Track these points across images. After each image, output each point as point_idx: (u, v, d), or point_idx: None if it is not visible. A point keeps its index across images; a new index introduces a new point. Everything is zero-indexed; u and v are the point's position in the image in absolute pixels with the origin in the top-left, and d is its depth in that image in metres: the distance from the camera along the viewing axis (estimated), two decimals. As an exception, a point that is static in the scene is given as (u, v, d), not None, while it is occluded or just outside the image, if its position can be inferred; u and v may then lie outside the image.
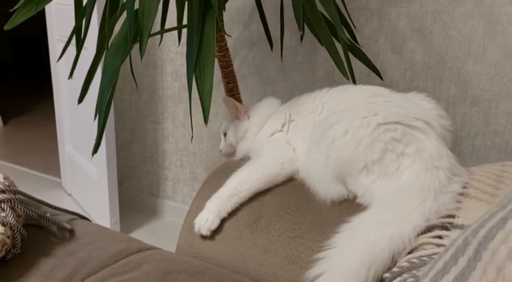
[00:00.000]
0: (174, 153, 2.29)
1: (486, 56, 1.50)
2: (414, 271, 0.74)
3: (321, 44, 1.32)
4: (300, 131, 1.05)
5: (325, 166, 0.94)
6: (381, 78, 1.48)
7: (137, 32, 1.10)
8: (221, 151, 1.24)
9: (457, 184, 0.84)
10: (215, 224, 0.98)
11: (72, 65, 1.34)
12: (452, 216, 0.81)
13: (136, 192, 2.47)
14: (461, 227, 0.79)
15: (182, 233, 1.04)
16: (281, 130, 1.09)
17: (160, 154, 2.35)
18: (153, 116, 2.30)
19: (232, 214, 1.00)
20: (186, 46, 1.12)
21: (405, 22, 1.61)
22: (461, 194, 0.84)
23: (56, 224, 0.98)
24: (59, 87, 2.49)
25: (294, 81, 1.86)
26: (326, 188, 0.94)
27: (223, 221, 1.00)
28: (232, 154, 1.21)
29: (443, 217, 0.81)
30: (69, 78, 1.35)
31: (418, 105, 0.96)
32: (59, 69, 2.43)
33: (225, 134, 1.22)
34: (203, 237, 1.00)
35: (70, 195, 2.60)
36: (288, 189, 1.01)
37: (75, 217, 1.09)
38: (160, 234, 2.24)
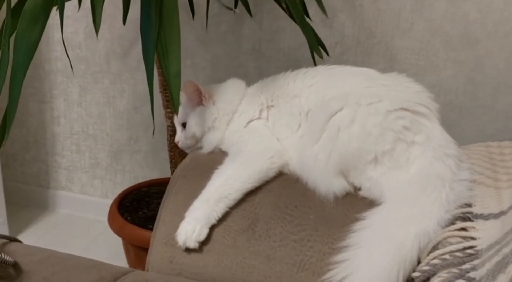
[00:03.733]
0: (68, 136, 1.97)
1: (413, 31, 1.53)
2: (453, 269, 0.71)
3: (292, 18, 1.18)
4: (284, 118, 0.94)
5: (327, 159, 0.85)
6: (327, 54, 1.41)
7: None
8: (178, 142, 1.06)
9: (466, 171, 0.83)
10: (204, 234, 0.83)
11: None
12: (469, 205, 0.79)
13: (18, 183, 2.09)
14: (481, 216, 0.77)
15: (156, 246, 0.87)
16: (259, 118, 0.96)
17: (48, 139, 2.00)
18: (38, 94, 1.94)
19: (221, 219, 0.86)
20: (140, 18, 0.90)
21: (336, -6, 1.56)
22: (471, 181, 0.83)
23: (-11, 258, 0.73)
24: None
25: (217, 54, 1.70)
26: (327, 182, 0.86)
27: (211, 228, 0.85)
28: (193, 146, 1.04)
29: (461, 207, 0.79)
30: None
31: (410, 88, 0.92)
32: None
33: (183, 124, 1.04)
34: (188, 250, 0.84)
35: None
36: (280, 185, 0.90)
37: (2, 240, 0.84)
38: (57, 230, 1.94)
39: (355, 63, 1.61)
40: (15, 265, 0.74)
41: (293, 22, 1.62)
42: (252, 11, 1.56)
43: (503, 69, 1.47)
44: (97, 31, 0.84)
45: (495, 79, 1.49)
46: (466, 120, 1.55)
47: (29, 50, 0.94)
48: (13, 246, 0.82)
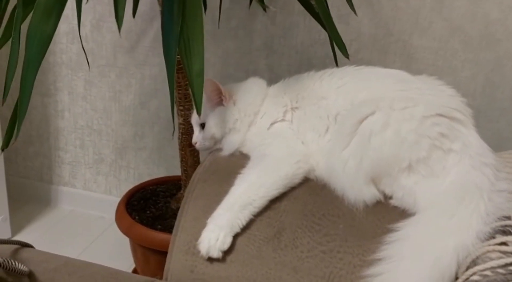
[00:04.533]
0: (72, 131, 1.92)
1: (431, 30, 1.49)
2: (495, 286, 0.67)
3: (311, 13, 1.13)
4: (310, 121, 0.90)
5: (358, 165, 0.81)
6: (347, 56, 1.37)
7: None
8: (195, 143, 1.01)
9: (504, 181, 0.79)
10: (227, 242, 0.79)
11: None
12: (509, 217, 0.76)
13: (21, 178, 2.03)
14: (522, 229, 0.74)
15: (176, 254, 0.83)
16: (283, 120, 0.92)
17: (52, 133, 1.95)
18: (41, 87, 1.88)
19: (245, 227, 0.81)
20: (161, 13, 0.85)
21: (354, -11, 1.51)
22: (510, 192, 0.79)
23: (4, 267, 0.68)
24: None
25: (228, 49, 1.65)
26: (357, 189, 0.82)
27: (234, 237, 0.81)
28: (211, 147, 1.00)
29: (500, 219, 0.75)
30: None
31: (443, 92, 0.88)
32: None
33: (202, 125, 0.99)
34: (210, 259, 0.80)
35: None
36: (306, 192, 0.85)
37: (15, 246, 0.79)
38: (59, 227, 1.90)
39: (371, 62, 1.56)
40: (30, 275, 0.70)
41: (307, 18, 1.57)
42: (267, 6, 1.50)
43: (523, 71, 1.43)
44: (119, 26, 0.79)
45: (514, 81, 1.45)
46: (483, 123, 1.51)
47: (43, 44, 0.90)
48: (26, 252, 0.78)
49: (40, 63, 0.90)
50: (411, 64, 1.53)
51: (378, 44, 1.55)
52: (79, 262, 0.77)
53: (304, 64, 1.64)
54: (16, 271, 0.67)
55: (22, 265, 0.69)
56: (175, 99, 1.29)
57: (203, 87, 0.91)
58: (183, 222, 0.85)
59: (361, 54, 1.57)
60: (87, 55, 1.75)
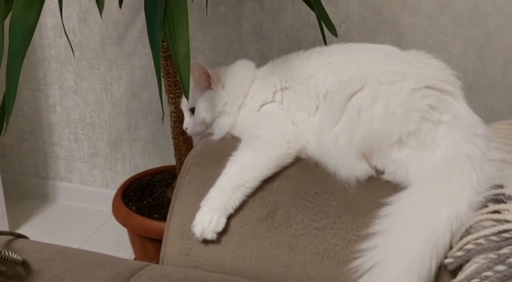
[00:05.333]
0: (65, 125, 1.91)
1: (421, 8, 1.48)
2: (490, 254, 0.67)
3: None
4: (300, 101, 0.89)
5: (349, 142, 0.80)
6: (336, 35, 1.36)
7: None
8: (186, 129, 1.01)
9: (495, 151, 0.79)
10: (221, 224, 0.79)
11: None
12: (501, 186, 0.76)
13: (16, 175, 2.03)
14: (514, 197, 0.74)
15: (171, 238, 0.83)
16: (272, 101, 0.91)
17: (45, 128, 1.94)
18: (31, 82, 1.87)
19: (238, 208, 0.81)
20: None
21: (341, -30, 1.50)
22: (501, 161, 0.79)
23: (-3, 256, 0.68)
24: None
25: (216, 36, 1.64)
26: (349, 166, 0.81)
27: (228, 218, 0.81)
28: (202, 132, 0.99)
29: (492, 188, 0.75)
30: None
31: (432, 65, 0.87)
32: None
33: (192, 110, 0.99)
34: (205, 241, 0.80)
35: None
36: (298, 171, 0.85)
37: (8, 237, 0.79)
38: (57, 222, 1.90)
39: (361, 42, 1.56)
40: (24, 264, 0.70)
41: (295, 1, 1.56)
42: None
43: (514, 45, 1.43)
44: (101, 11, 0.78)
45: (505, 56, 1.45)
46: (475, 98, 1.51)
47: (26, 35, 0.90)
48: (20, 243, 0.78)
49: (24, 54, 0.89)
50: (401, 43, 1.53)
51: (367, 24, 1.54)
52: (74, 250, 0.77)
53: (295, 47, 1.62)
54: (9, 260, 0.67)
55: (16, 254, 0.68)
56: (165, 87, 1.29)
57: (191, 71, 0.90)
58: (176, 206, 0.85)
59: (351, 35, 1.56)
60: (75, 48, 1.75)
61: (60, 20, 1.72)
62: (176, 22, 0.82)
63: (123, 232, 1.49)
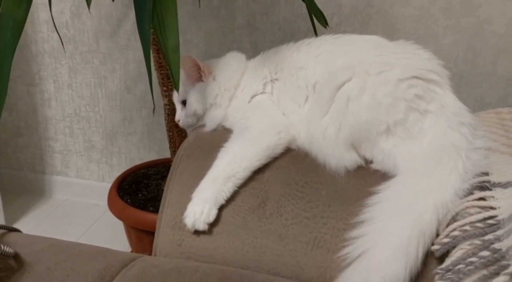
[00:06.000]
0: (61, 119, 1.91)
1: (412, -1, 1.49)
2: (475, 240, 0.69)
3: None
4: (290, 92, 0.90)
5: (337, 132, 0.82)
6: (327, 25, 1.37)
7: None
8: (178, 121, 1.02)
9: (481, 139, 0.80)
10: (213, 214, 0.80)
11: None
12: (486, 174, 0.77)
13: (12, 170, 2.04)
14: (500, 184, 0.75)
15: (163, 230, 0.84)
16: (263, 92, 0.92)
17: (40, 123, 1.94)
18: (26, 77, 1.87)
19: (229, 199, 0.83)
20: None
21: (332, -39, 1.50)
22: (487, 149, 0.80)
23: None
24: None
25: (210, 29, 1.64)
26: (338, 156, 0.83)
27: (219, 209, 0.82)
28: (194, 124, 1.00)
29: (478, 176, 0.77)
30: None
31: (419, 56, 0.88)
32: None
33: (183, 102, 1.00)
34: (197, 232, 0.81)
35: None
36: (289, 162, 0.86)
37: (1, 230, 0.80)
38: (54, 216, 1.91)
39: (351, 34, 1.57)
40: (16, 256, 0.71)
41: (288, -7, 1.57)
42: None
43: (504, 35, 1.44)
44: (88, 4, 0.78)
45: (495, 46, 1.46)
46: (466, 88, 1.52)
47: (16, 29, 0.90)
48: (12, 236, 0.79)
49: (14, 49, 0.89)
50: (393, 34, 1.53)
51: (359, 16, 1.54)
52: (66, 242, 0.78)
53: (288, 39, 1.61)
54: (1, 253, 0.68)
55: (7, 247, 0.69)
56: (158, 80, 1.29)
57: (182, 64, 0.91)
58: (168, 198, 0.86)
59: (343, 26, 1.56)
60: (69, 42, 1.75)
61: (53, 14, 1.73)
62: (165, 15, 0.83)
63: (120, 225, 1.50)
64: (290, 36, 1.61)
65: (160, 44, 0.84)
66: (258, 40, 1.63)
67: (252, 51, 1.66)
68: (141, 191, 1.51)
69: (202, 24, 1.64)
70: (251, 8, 1.59)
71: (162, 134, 1.82)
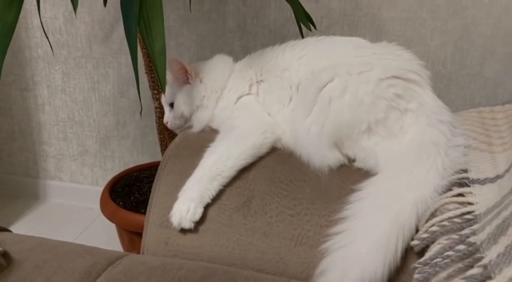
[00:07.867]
0: (54, 124, 1.93)
1: (400, 1, 1.51)
2: (452, 235, 0.70)
3: None
4: (274, 93, 0.92)
5: (320, 131, 0.83)
6: (314, 28, 1.39)
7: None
8: (166, 123, 1.03)
9: (461, 137, 0.82)
10: (198, 213, 0.82)
11: None
12: (465, 171, 0.79)
13: (6, 174, 2.05)
14: (478, 181, 0.77)
15: (150, 229, 0.85)
16: (249, 93, 0.94)
17: (34, 127, 1.96)
18: (20, 82, 1.89)
19: (215, 198, 0.84)
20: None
21: (320, -35, 1.53)
22: (466, 147, 0.82)
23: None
24: None
25: (201, 32, 1.66)
26: (321, 154, 0.84)
27: (205, 207, 0.83)
28: (182, 126, 1.02)
29: (457, 173, 0.78)
30: None
31: (400, 56, 0.90)
32: None
33: (171, 104, 1.01)
34: (183, 231, 0.83)
35: None
36: (274, 161, 0.88)
37: (-8, 230, 0.82)
38: (48, 220, 1.92)
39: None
40: (5, 254, 0.72)
41: (278, -3, 1.59)
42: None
43: (490, 36, 1.46)
44: (75, 9, 0.80)
45: (482, 47, 1.48)
46: (454, 89, 1.54)
47: (6, 34, 0.91)
48: (1, 235, 0.80)
49: (5, 53, 0.91)
50: (381, 36, 1.56)
51: (348, 19, 1.57)
52: (54, 241, 0.80)
53: (278, 43, 1.65)
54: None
55: (-5, 244, 0.71)
56: (149, 83, 1.31)
57: (169, 66, 0.93)
58: (156, 198, 0.87)
59: (332, 30, 1.59)
60: (62, 47, 1.77)
61: (46, 19, 1.75)
62: (151, 18, 0.85)
63: (114, 228, 1.51)
64: (280, 39, 1.62)
65: (146, 47, 0.86)
66: (249, 43, 1.65)
67: (243, 54, 1.66)
68: (133, 193, 1.52)
69: (193, 28, 1.66)
70: (242, 12, 1.61)
71: (155, 138, 1.83)
